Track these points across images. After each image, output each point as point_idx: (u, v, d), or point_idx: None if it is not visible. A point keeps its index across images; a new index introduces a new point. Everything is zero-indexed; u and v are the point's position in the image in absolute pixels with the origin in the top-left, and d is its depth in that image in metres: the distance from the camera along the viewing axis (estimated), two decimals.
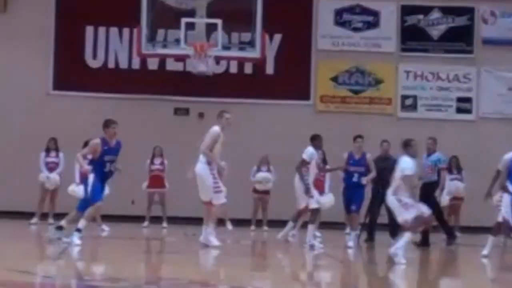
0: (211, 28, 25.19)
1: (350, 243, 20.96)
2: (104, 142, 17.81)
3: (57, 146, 27.50)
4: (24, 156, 28.20)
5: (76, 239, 18.17)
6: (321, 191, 23.96)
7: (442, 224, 22.87)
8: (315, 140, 19.69)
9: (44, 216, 26.67)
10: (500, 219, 18.01)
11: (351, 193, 21.46)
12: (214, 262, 19.25)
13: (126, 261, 17.92)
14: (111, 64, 31.12)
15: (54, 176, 27.16)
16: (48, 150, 27.34)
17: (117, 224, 25.86)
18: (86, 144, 21.02)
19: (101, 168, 17.89)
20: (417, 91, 30.28)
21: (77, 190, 25.05)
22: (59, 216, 25.02)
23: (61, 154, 27.60)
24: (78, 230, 18.45)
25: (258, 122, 24.59)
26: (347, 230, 22.95)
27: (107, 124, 17.99)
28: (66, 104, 29.95)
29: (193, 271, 16.36)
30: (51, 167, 27.31)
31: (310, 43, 30.63)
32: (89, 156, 19.56)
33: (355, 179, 21.43)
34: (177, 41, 25.75)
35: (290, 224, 21.83)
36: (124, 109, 28.70)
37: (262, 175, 25.67)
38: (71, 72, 30.49)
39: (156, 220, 27.68)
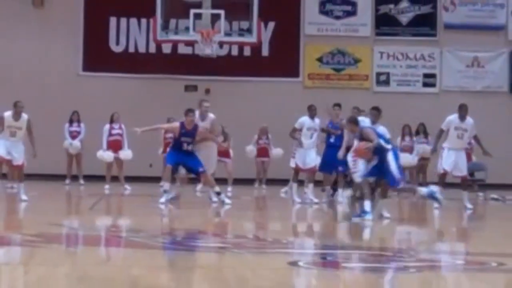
0: (215, 18, 24.89)
1: (341, 199, 20.33)
2: (182, 126, 18.07)
3: (79, 118, 27.44)
4: (57, 126, 27.47)
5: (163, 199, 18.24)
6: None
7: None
8: (308, 110, 19.48)
9: (75, 178, 26.77)
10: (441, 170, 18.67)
11: (332, 154, 20.19)
12: (223, 215, 19.19)
13: (145, 215, 18.15)
14: (131, 49, 31.15)
15: (76, 142, 27.18)
16: (71, 121, 27.38)
17: (137, 184, 25.88)
18: (168, 120, 22.85)
19: (179, 146, 18.16)
20: (390, 69, 30.49)
21: (104, 155, 25.76)
22: (87, 177, 27.21)
23: (82, 125, 27.47)
24: (164, 191, 18.78)
25: (256, 96, 24.78)
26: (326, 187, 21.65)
27: (187, 113, 18.10)
28: (93, 83, 30.11)
29: (203, 223, 16.59)
30: (74, 136, 27.33)
31: (298, 29, 30.89)
32: (170, 135, 20.75)
33: (332, 140, 20.64)
34: (187, 29, 25.68)
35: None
36: (142, 87, 29.40)
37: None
38: (97, 56, 30.79)
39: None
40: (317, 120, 19.54)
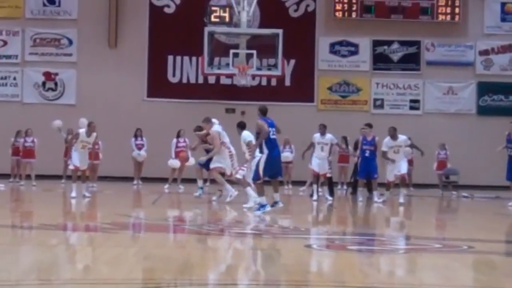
0: (249, 56, 24.60)
1: (376, 199, 20.09)
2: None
3: (141, 134, 27.58)
4: (126, 139, 27.89)
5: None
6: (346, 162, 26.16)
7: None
8: (320, 128, 19.01)
9: (142, 180, 27.09)
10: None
11: (367, 165, 20.18)
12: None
13: (193, 208, 18.62)
14: (184, 80, 31.43)
15: (142, 152, 27.51)
16: (136, 136, 27.46)
17: (187, 184, 25.55)
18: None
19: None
20: (384, 96, 30.97)
21: (173, 162, 25.90)
22: (144, 179, 27.58)
23: (144, 139, 27.58)
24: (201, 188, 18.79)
25: (280, 117, 23.88)
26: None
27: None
28: (154, 107, 30.48)
29: (241, 215, 16.41)
30: (139, 147, 27.52)
31: (313, 65, 31.27)
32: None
33: (367, 154, 20.27)
34: (227, 64, 25.21)
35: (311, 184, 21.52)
36: (192, 110, 28.67)
37: (284, 154, 24.52)
38: (158, 86, 31.07)
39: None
40: (328, 136, 19.10)
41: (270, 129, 14.66)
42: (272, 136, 14.77)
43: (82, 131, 17.30)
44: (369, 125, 20.25)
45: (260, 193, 15.28)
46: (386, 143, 18.45)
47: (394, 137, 18.41)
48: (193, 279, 8.57)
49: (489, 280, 8.79)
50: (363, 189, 20.63)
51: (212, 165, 18.31)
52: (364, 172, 20.21)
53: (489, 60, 31.26)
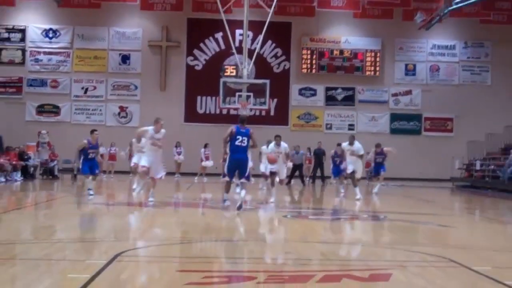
0: (248, 96, 25.61)
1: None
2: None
3: (180, 145, 27.46)
4: (170, 148, 26.33)
5: None
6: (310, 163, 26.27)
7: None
8: (275, 139, 15.88)
9: (180, 174, 26.94)
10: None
11: (338, 168, 19.11)
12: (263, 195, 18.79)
13: (213, 192, 19.59)
14: (207, 112, 32.47)
15: (181, 157, 27.72)
16: (176, 146, 27.51)
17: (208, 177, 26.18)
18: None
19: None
20: (332, 122, 32.34)
21: (206, 163, 26.67)
22: (181, 173, 27.30)
23: (182, 148, 27.70)
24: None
25: (267, 134, 20.70)
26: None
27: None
28: (189, 128, 31.18)
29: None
30: (178, 153, 27.58)
31: (288, 102, 32.70)
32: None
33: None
34: (234, 102, 26.13)
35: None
36: (211, 131, 28.78)
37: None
38: (191, 115, 32.07)
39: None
40: (283, 145, 15.60)
41: (238, 136, 12.16)
42: (236, 143, 12.21)
43: (150, 128, 13.90)
44: (339, 144, 18.65)
45: (225, 189, 13.10)
46: (344, 146, 16.97)
47: (351, 143, 16.65)
48: (212, 237, 9.38)
49: (396, 237, 9.84)
50: (347, 182, 18.92)
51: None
52: (337, 172, 19.32)
53: (397, 100, 33.37)
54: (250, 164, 13.31)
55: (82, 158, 14.83)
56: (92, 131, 15.50)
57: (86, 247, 7.92)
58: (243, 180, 12.52)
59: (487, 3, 29.56)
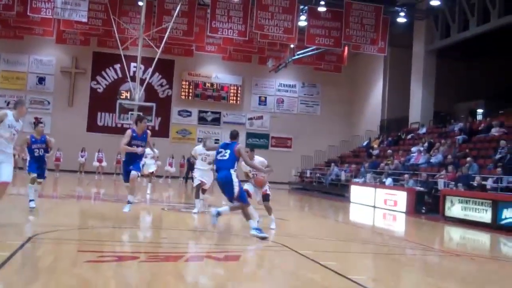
0: (138, 115, 22.37)
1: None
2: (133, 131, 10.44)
3: (85, 149, 28.99)
4: (75, 153, 29.22)
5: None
6: None
7: None
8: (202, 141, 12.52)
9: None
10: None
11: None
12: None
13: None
14: (106, 124, 33.98)
15: (84, 159, 29.03)
16: (82, 150, 29.05)
17: None
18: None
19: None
20: (203, 137, 33.31)
21: (103, 164, 28.28)
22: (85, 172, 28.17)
23: (85, 152, 29.18)
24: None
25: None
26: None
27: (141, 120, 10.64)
28: (90, 138, 31.69)
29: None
30: (82, 156, 29.14)
31: (169, 121, 34.63)
32: None
33: None
34: (127, 118, 26.23)
35: None
36: (110, 140, 29.73)
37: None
38: (92, 126, 33.02)
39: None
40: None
41: (220, 149, 9.22)
42: (218, 157, 9.16)
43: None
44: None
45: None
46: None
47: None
48: (105, 225, 9.31)
49: (246, 226, 9.13)
50: None
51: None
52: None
53: (252, 122, 36.75)
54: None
55: (29, 156, 11.45)
56: (36, 124, 12.89)
57: (3, 230, 7.76)
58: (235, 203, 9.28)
59: (319, 56, 32.51)
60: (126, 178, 10.62)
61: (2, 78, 34.30)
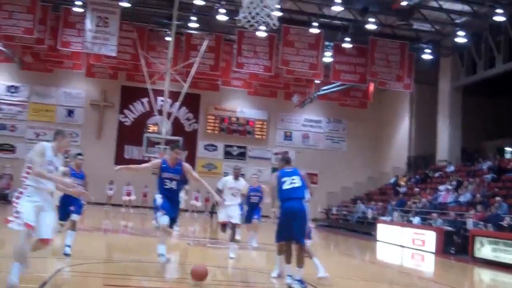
0: (165, 148, 24.82)
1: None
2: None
3: (113, 182, 29.70)
4: (103, 185, 28.05)
5: None
6: None
7: None
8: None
9: None
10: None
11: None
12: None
13: None
14: (133, 158, 33.17)
15: (112, 192, 30.07)
16: (110, 183, 29.69)
17: None
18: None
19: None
20: (228, 171, 30.24)
21: (132, 197, 29.38)
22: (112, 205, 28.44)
23: (114, 184, 29.99)
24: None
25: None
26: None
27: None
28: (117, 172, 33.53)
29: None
30: (110, 189, 29.83)
31: (195, 155, 34.47)
32: None
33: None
34: (154, 152, 25.88)
35: None
36: (136, 174, 26.25)
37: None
38: (120, 159, 33.08)
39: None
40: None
41: (284, 178, 7.90)
42: (286, 186, 7.83)
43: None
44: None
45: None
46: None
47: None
48: (131, 258, 9.50)
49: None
50: None
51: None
52: None
53: (277, 157, 32.26)
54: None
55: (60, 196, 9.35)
56: (76, 155, 10.72)
57: (32, 262, 7.03)
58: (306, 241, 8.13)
59: (345, 91, 32.74)
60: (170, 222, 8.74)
61: (32, 110, 34.80)
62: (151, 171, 9.27)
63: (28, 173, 6.25)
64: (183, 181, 9.02)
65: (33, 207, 6.04)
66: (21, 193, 6.18)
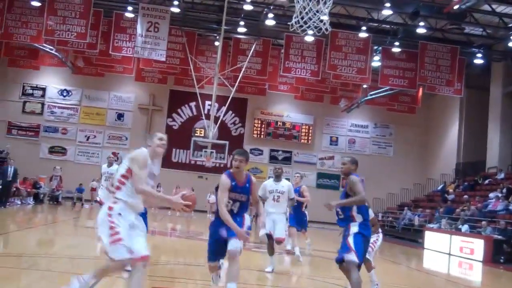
0: (211, 152, 25.85)
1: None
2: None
3: (160, 185, 26.38)
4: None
5: None
6: None
7: None
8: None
9: None
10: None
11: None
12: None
13: None
14: (180, 161, 33.82)
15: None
16: (157, 186, 28.91)
17: None
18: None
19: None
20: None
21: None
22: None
23: (161, 188, 23.59)
24: None
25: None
26: None
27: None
28: (165, 174, 29.92)
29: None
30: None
31: None
32: None
33: None
34: (201, 155, 26.45)
35: None
36: (184, 176, 30.75)
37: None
38: (167, 162, 31.19)
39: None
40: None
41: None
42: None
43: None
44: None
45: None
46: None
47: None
48: (179, 261, 9.58)
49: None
50: None
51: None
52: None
53: (323, 162, 36.41)
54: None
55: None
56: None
57: (83, 263, 7.96)
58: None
59: (393, 96, 32.33)
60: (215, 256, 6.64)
61: (84, 113, 35.45)
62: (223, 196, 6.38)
63: (122, 183, 5.10)
64: (247, 203, 6.52)
65: (128, 227, 4.99)
66: (110, 208, 5.05)
